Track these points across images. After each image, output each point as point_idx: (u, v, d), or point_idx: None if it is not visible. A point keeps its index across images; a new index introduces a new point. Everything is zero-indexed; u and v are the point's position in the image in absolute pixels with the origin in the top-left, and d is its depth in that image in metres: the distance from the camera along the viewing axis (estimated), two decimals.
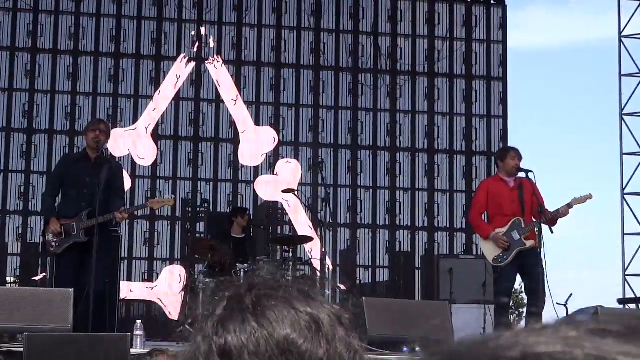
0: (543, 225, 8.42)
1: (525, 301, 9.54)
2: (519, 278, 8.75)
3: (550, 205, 8.44)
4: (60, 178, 8.30)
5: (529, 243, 8.38)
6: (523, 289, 9.86)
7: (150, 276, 11.77)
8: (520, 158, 8.60)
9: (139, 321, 7.57)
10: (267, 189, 12.14)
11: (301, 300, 1.26)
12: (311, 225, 11.85)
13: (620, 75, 13.14)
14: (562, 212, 8.44)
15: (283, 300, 1.25)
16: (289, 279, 1.32)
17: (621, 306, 11.29)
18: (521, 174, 8.54)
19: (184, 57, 12.25)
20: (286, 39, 12.56)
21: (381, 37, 12.76)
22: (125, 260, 11.25)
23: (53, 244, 8.04)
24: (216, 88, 12.27)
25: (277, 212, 12.31)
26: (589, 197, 8.43)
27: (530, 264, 8.37)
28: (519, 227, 8.45)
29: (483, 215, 8.85)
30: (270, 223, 12.15)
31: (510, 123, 12.79)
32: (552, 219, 8.44)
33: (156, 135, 12.08)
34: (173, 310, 11.23)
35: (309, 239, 10.80)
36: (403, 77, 12.72)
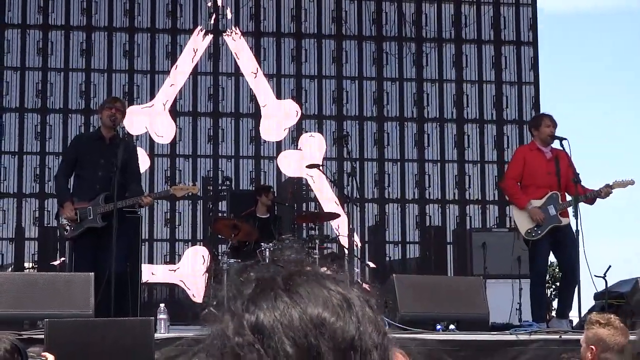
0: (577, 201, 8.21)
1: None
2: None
3: (586, 178, 8.35)
4: (74, 158, 8.08)
5: (565, 220, 8.23)
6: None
7: (172, 258, 11.61)
8: (555, 125, 8.47)
9: (162, 305, 7.42)
10: (291, 164, 11.91)
11: (331, 281, 1.27)
12: (337, 201, 11.65)
13: None
14: (604, 193, 8.27)
15: (313, 278, 1.26)
16: (315, 260, 1.09)
17: None
18: (556, 144, 8.37)
19: (201, 30, 12.00)
20: (306, 8, 12.25)
21: (405, 3, 12.41)
22: (147, 243, 11.08)
23: (67, 228, 7.85)
24: (235, 61, 12.02)
25: (302, 189, 12.10)
26: (631, 182, 8.29)
27: (565, 243, 8.21)
28: (556, 201, 8.27)
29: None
30: (295, 200, 11.94)
31: (542, 89, 12.50)
32: (591, 199, 8.27)
33: (174, 112, 11.85)
34: (197, 292, 11.07)
35: (335, 216, 10.64)
36: (429, 45, 12.39)
